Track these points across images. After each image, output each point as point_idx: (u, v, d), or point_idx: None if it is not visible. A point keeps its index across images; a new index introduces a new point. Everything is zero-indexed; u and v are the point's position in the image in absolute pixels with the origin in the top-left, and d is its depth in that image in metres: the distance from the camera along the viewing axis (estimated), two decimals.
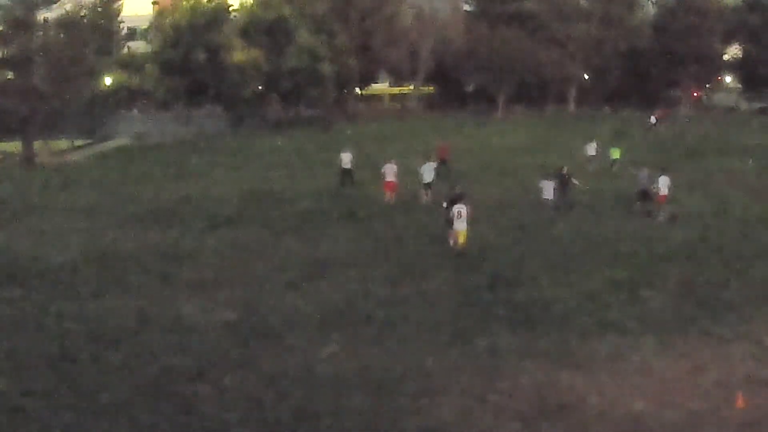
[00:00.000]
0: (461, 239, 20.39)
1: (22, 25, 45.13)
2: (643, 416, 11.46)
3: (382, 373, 12.92)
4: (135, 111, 61.13)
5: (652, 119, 53.59)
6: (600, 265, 19.06)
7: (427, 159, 28.95)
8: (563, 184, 26.26)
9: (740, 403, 11.61)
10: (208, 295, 17.11)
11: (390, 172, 27.87)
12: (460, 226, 20.33)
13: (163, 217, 25.39)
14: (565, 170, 27.01)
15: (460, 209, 20.33)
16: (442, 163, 31.53)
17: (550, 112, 65.61)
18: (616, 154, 35.98)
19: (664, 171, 25.67)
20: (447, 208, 21.25)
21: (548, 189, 25.69)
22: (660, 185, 25.08)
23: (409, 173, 28.99)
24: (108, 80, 56.94)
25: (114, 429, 11.20)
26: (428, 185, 27.32)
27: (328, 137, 47.00)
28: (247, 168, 36.30)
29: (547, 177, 26.26)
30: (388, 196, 27.49)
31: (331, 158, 36.58)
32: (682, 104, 68.12)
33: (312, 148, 43.70)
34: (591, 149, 36.38)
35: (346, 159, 30.65)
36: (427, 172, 27.62)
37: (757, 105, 70.23)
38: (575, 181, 27.05)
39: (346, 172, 30.51)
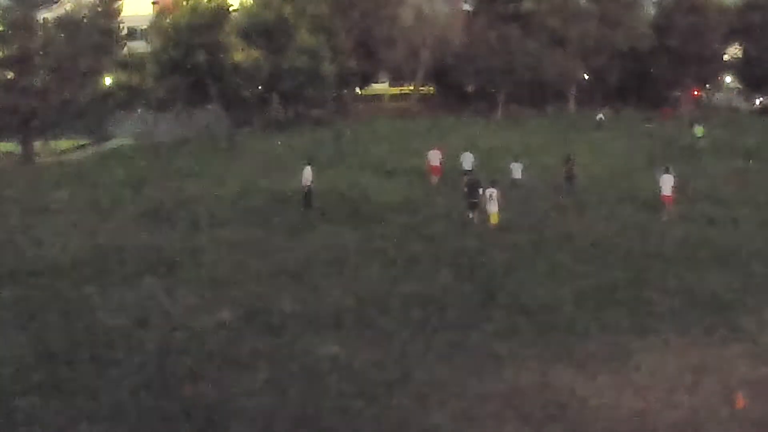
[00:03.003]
0: (494, 220, 22.52)
1: (22, 25, 45.06)
2: (643, 416, 11.46)
3: (383, 374, 12.92)
4: (135, 111, 61.00)
5: (601, 116, 55.12)
6: (601, 265, 19.07)
7: (465, 150, 31.67)
8: (569, 171, 29.26)
9: (740, 403, 11.61)
10: (208, 294, 17.11)
11: (434, 157, 30.69)
12: (492, 209, 22.30)
13: (163, 216, 25.38)
14: (570, 157, 29.96)
15: (492, 193, 22.41)
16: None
17: (550, 112, 65.57)
18: (700, 132, 43.61)
19: (667, 170, 25.61)
20: (468, 192, 23.71)
21: (517, 170, 28.89)
22: (663, 185, 24.97)
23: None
24: (108, 80, 56.82)
25: (114, 429, 11.19)
26: (468, 172, 29.34)
27: (329, 137, 46.87)
28: (247, 168, 36.22)
29: (516, 159, 29.54)
30: (434, 179, 30.26)
31: (332, 158, 36.56)
32: (683, 104, 67.99)
33: (312, 147, 43.58)
34: (699, 132, 43.80)
35: (308, 175, 26.36)
36: (466, 160, 30.31)
37: (758, 105, 70.22)
38: (575, 171, 29.48)
39: (309, 191, 26.38)
